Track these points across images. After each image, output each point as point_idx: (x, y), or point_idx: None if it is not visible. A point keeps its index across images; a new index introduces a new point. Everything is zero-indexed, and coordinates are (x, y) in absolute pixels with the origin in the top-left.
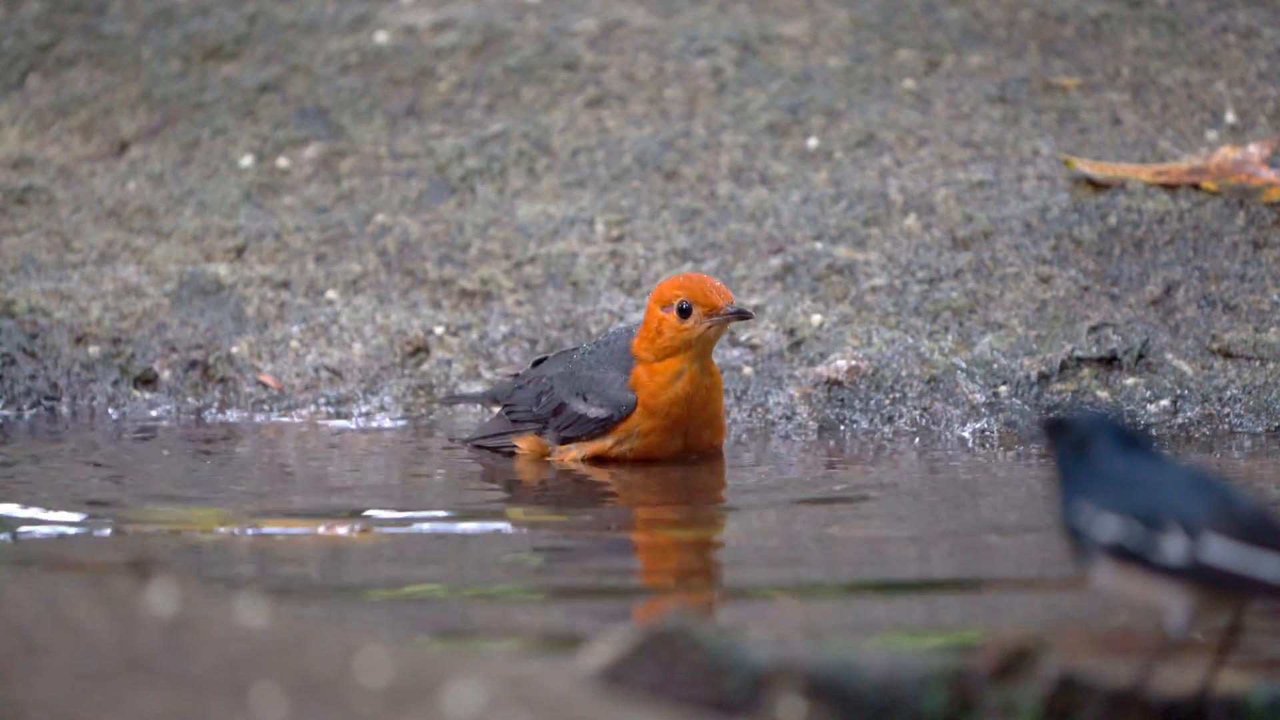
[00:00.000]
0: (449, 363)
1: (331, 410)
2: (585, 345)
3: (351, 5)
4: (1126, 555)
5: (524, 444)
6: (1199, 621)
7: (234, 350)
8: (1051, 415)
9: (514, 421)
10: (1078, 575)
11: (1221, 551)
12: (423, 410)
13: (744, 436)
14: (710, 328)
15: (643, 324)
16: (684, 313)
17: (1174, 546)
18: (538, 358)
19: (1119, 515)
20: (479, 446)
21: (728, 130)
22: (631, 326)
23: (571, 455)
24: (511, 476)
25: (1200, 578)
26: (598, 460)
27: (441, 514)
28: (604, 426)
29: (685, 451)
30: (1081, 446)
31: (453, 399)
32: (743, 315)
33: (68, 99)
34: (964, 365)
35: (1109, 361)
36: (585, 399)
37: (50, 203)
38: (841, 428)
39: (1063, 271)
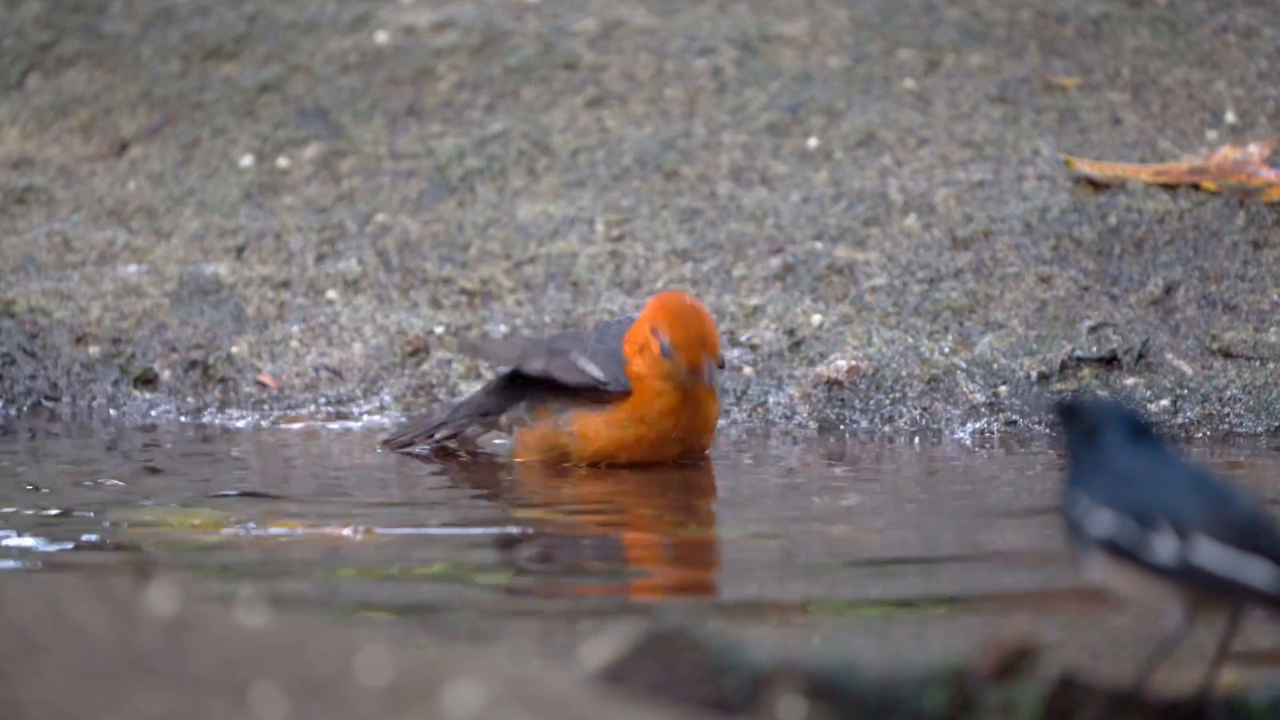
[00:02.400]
0: (449, 363)
1: (331, 410)
2: (580, 332)
3: (351, 5)
4: (1118, 552)
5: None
6: (1193, 621)
7: (234, 350)
8: (1064, 399)
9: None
10: (1072, 566)
11: (1211, 555)
12: (423, 411)
13: (744, 436)
14: (685, 379)
15: (634, 328)
16: (666, 353)
17: (1165, 546)
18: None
19: (1113, 511)
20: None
21: (728, 130)
22: (624, 323)
23: (545, 431)
24: (512, 477)
25: (1189, 579)
26: (596, 464)
27: (443, 514)
28: (596, 393)
29: (681, 454)
30: (1090, 435)
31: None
32: (711, 382)
33: (68, 99)
34: (964, 365)
35: (1109, 361)
36: (590, 358)
37: (50, 203)
38: (841, 428)
39: (1063, 271)
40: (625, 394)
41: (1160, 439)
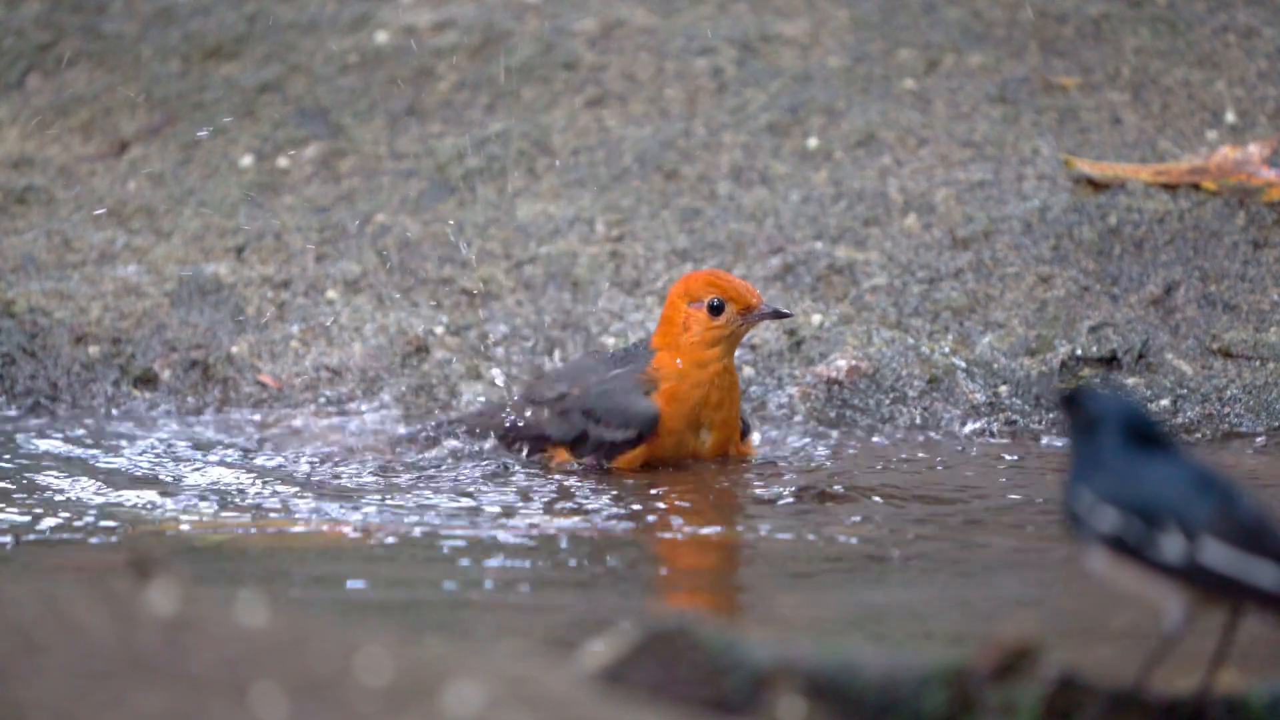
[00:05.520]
0: (449, 362)
1: (331, 410)
2: (585, 361)
3: (351, 5)
4: (1123, 549)
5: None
6: (1194, 620)
7: (234, 350)
8: (1068, 391)
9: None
10: (1074, 558)
11: (1218, 555)
12: (423, 411)
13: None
14: (742, 326)
15: (663, 318)
16: (715, 310)
17: (1171, 546)
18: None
19: (1119, 508)
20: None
21: (728, 130)
22: (644, 339)
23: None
24: (515, 477)
25: (1195, 580)
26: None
27: (444, 514)
28: (633, 444)
29: (697, 454)
30: (1092, 428)
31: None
32: (780, 315)
33: (68, 99)
34: (964, 365)
35: (1109, 361)
36: (606, 425)
37: (50, 203)
38: (842, 427)
39: (1063, 271)
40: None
41: (1163, 435)
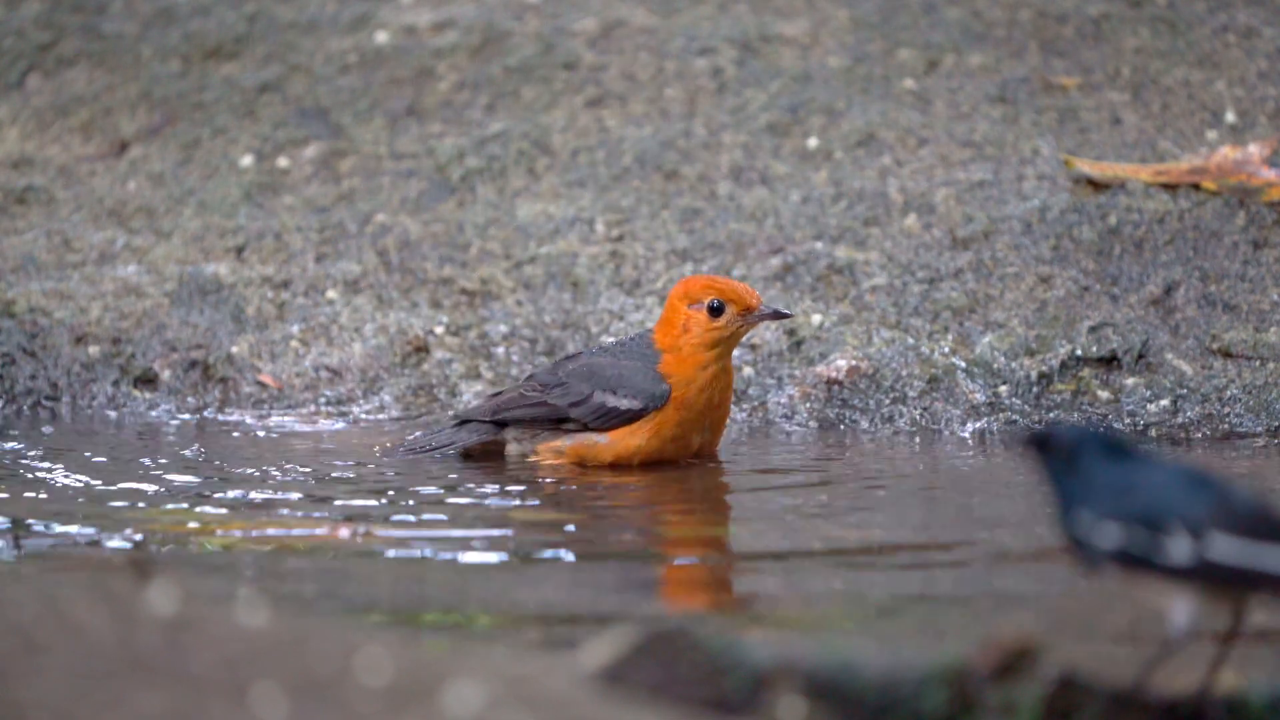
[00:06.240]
0: (449, 362)
1: (331, 410)
2: (592, 349)
3: (351, 5)
4: (1131, 560)
5: (514, 445)
6: (1204, 619)
7: (234, 350)
8: (1034, 432)
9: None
10: (1085, 581)
11: (1227, 548)
12: (423, 411)
13: (745, 436)
14: (742, 327)
15: (663, 320)
16: (715, 311)
17: (1179, 547)
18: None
19: (1120, 521)
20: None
21: (728, 130)
22: (644, 332)
23: (581, 450)
24: (512, 478)
25: (1208, 575)
26: (590, 464)
27: (443, 515)
28: (632, 419)
29: (696, 453)
30: (1070, 459)
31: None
32: (779, 315)
33: (68, 99)
34: (964, 365)
35: (1109, 361)
36: (614, 392)
37: (50, 203)
38: (842, 427)
39: (1063, 271)
40: (662, 405)
41: (1136, 450)
